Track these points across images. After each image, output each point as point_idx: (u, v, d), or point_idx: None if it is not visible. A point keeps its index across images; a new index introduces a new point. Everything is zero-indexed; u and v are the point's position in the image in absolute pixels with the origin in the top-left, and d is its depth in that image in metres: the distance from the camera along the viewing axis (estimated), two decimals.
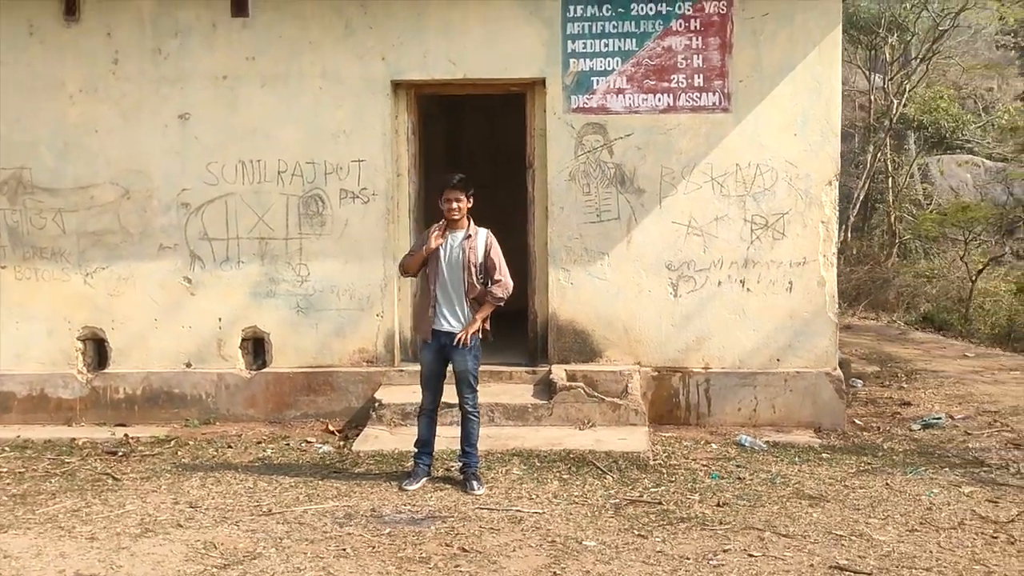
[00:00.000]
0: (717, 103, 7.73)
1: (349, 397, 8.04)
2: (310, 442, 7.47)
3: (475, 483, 6.06)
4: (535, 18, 7.78)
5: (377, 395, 7.70)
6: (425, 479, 6.18)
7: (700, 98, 7.74)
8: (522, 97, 8.09)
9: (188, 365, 8.15)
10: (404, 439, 6.99)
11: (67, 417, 8.14)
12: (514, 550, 5.05)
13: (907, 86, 22.44)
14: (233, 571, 4.74)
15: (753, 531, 5.36)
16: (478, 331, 6.10)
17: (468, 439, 6.18)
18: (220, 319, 8.11)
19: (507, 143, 10.07)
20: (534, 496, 5.99)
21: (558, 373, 7.66)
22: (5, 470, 6.78)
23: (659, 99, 7.76)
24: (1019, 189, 25.53)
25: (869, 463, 6.85)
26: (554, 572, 4.75)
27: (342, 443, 7.40)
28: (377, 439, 7.11)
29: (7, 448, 7.39)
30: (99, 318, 8.17)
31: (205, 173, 8.04)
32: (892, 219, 22.93)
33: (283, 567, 4.80)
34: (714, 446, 7.26)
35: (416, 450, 6.24)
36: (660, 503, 5.88)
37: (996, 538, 5.29)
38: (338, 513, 5.67)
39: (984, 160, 27.26)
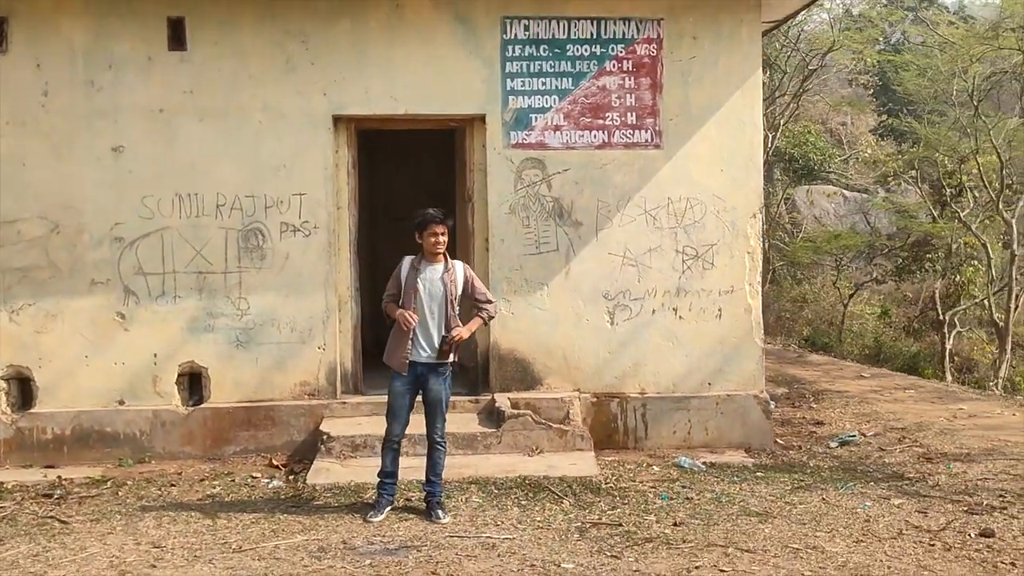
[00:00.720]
0: (649, 140, 8.12)
1: (291, 431, 8.00)
2: (256, 477, 7.41)
3: (440, 512, 6.16)
4: (475, 57, 8.01)
5: (323, 428, 7.71)
6: (388, 509, 6.24)
7: (633, 135, 8.11)
8: (460, 133, 8.29)
9: (121, 402, 7.95)
10: (356, 471, 7.05)
11: None
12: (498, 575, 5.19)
13: (780, 121, 23.67)
14: None
15: (716, 548, 5.64)
16: (457, 348, 6.26)
17: (434, 469, 6.28)
18: (155, 354, 7.96)
19: (438, 179, 10.26)
20: (499, 522, 6.13)
21: (502, 401, 7.83)
22: None
23: (595, 136, 8.09)
24: (876, 218, 27.24)
25: (801, 480, 7.27)
26: None
27: (291, 477, 7.37)
28: (329, 472, 7.12)
29: None
30: (25, 356, 7.90)
31: (140, 207, 7.91)
32: (767, 247, 24.07)
33: None
34: (656, 468, 7.56)
35: (380, 480, 6.29)
36: (620, 524, 6.11)
37: (933, 546, 5.71)
38: (310, 547, 5.68)
39: (844, 191, 28.98)
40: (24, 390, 7.98)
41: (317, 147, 7.98)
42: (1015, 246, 20.22)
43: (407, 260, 6.32)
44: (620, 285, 8.14)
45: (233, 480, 7.34)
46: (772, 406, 10.05)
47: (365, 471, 6.97)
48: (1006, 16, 19.51)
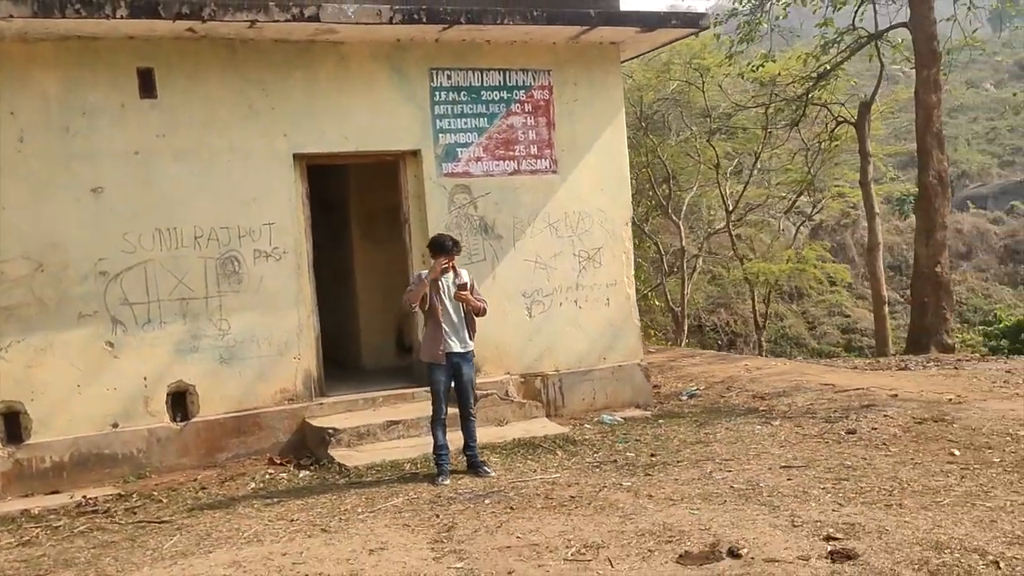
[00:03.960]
0: (548, 167, 10.09)
1: (276, 433, 9.04)
2: (272, 473, 8.44)
3: (486, 467, 7.74)
4: (410, 102, 9.53)
5: (320, 424, 8.86)
6: (450, 472, 7.69)
7: (536, 163, 10.03)
8: (396, 165, 9.74)
9: (115, 425, 8.55)
10: (376, 453, 8.38)
11: None
12: (590, 496, 6.77)
13: None
14: (462, 543, 6.01)
15: (703, 463, 7.70)
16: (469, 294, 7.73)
17: (472, 436, 7.83)
18: (145, 377, 8.65)
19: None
20: (532, 469, 7.80)
21: None
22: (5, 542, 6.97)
23: (507, 165, 9.92)
24: None
25: (695, 419, 9.60)
26: (643, 495, 6.65)
27: (304, 469, 8.46)
28: (353, 456, 8.34)
29: None
30: (17, 391, 8.27)
31: (122, 242, 8.57)
32: None
33: (473, 523, 6.14)
34: (588, 426, 9.54)
35: (437, 453, 7.70)
36: (616, 460, 8.03)
37: (827, 443, 8.13)
38: (417, 503, 6.92)
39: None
40: (16, 423, 8.32)
41: (282, 182, 9.09)
42: (683, 242, 24.58)
43: (422, 273, 7.80)
44: (534, 285, 10.02)
45: (254, 477, 8.32)
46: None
47: (379, 453, 8.34)
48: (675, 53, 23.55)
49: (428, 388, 9.49)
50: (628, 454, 8.23)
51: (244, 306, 8.97)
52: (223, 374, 8.91)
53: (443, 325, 7.70)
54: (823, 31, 18.28)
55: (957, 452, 7.48)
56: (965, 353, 16.63)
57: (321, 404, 9.22)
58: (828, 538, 5.44)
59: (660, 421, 9.64)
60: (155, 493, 8.07)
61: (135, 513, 7.52)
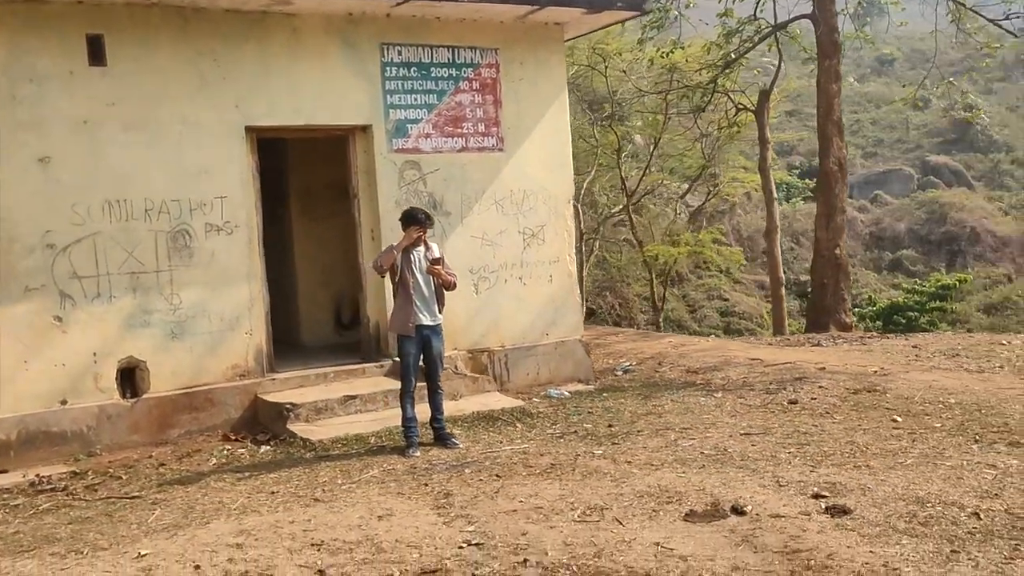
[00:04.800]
0: (495, 145, 10.21)
1: (228, 409, 8.92)
2: (230, 449, 8.35)
3: (454, 440, 7.86)
4: (361, 76, 9.50)
5: (275, 399, 8.80)
6: (419, 444, 7.76)
7: (483, 141, 10.15)
8: (346, 140, 9.69)
9: (64, 402, 8.29)
10: (334, 427, 8.41)
11: None
12: (569, 464, 6.94)
13: None
14: (463, 510, 6.08)
15: (670, 431, 7.96)
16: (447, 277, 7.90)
17: (439, 408, 7.94)
18: (95, 353, 8.41)
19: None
20: (499, 440, 7.97)
21: None
22: None
23: (456, 142, 10.00)
24: None
25: (639, 392, 9.94)
26: (621, 462, 6.88)
27: (262, 445, 8.38)
28: (314, 431, 8.32)
29: None
30: None
31: (71, 214, 8.29)
32: None
33: (468, 490, 6.24)
34: (537, 400, 9.75)
35: (407, 425, 7.75)
36: (576, 432, 8.26)
37: (772, 412, 8.60)
38: (395, 473, 6.99)
39: None
40: None
41: (234, 154, 8.95)
42: (581, 226, 25.02)
43: (393, 246, 7.85)
44: (481, 261, 10.15)
45: (212, 453, 8.21)
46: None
47: (345, 426, 8.38)
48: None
49: (378, 363, 9.64)
50: (586, 425, 8.48)
51: (196, 280, 8.81)
52: (174, 349, 8.73)
53: (414, 298, 7.77)
54: (724, 20, 18.93)
55: (899, 419, 8.01)
56: (859, 331, 17.55)
57: (273, 379, 9.15)
58: (817, 496, 5.80)
59: (605, 395, 9.92)
60: (111, 470, 7.88)
61: (96, 490, 7.35)
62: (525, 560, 4.98)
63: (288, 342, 11.34)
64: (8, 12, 8.01)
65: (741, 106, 20.23)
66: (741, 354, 11.94)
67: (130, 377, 8.62)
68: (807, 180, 42.24)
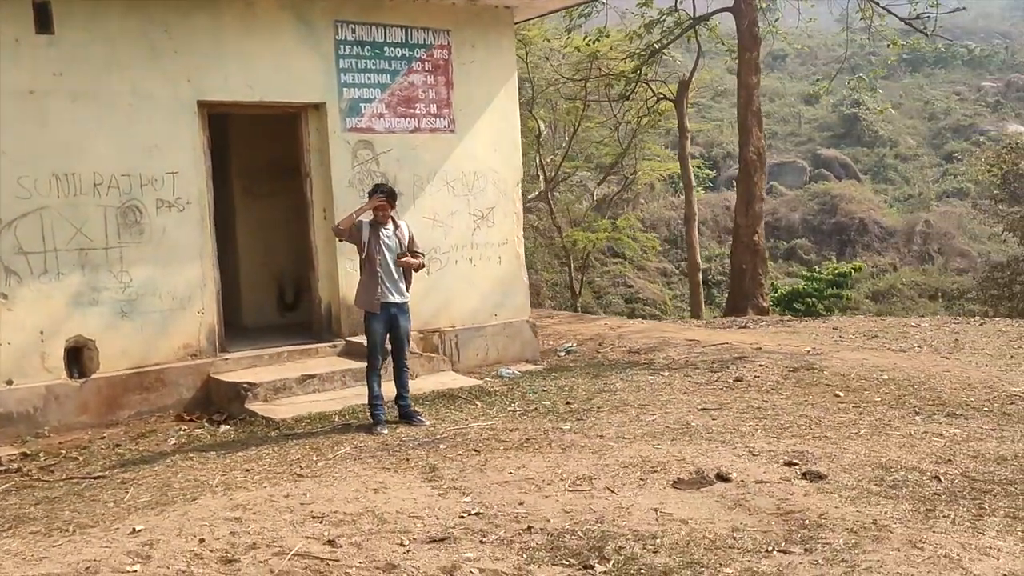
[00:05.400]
0: (446, 126, 10.23)
1: (180, 390, 8.74)
2: (186, 429, 8.19)
3: (420, 417, 7.88)
4: (315, 53, 9.39)
5: (231, 379, 8.65)
6: (385, 422, 7.76)
7: (435, 122, 10.15)
8: (298, 118, 9.56)
9: (9, 382, 7.99)
10: (294, 407, 8.33)
11: None
12: (542, 439, 7.05)
13: None
14: (445, 482, 6.11)
15: (628, 407, 8.16)
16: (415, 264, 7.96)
17: (405, 386, 7.94)
18: (42, 332, 8.13)
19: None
20: (463, 418, 8.02)
21: (364, 342, 9.42)
22: None
23: (408, 122, 9.98)
24: None
25: (587, 372, 10.11)
26: (593, 436, 7.03)
27: (227, 424, 8.24)
28: (275, 410, 8.21)
29: None
30: None
31: (16, 187, 7.98)
32: None
33: (453, 464, 6.29)
34: (489, 379, 9.83)
35: (374, 403, 7.73)
36: (537, 409, 8.38)
37: (721, 389, 8.87)
38: (369, 450, 6.99)
39: None
40: None
41: (185, 129, 8.74)
42: None
43: (366, 222, 7.83)
44: (432, 242, 10.15)
45: (168, 433, 8.05)
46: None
47: (305, 405, 8.31)
48: None
49: (331, 343, 9.58)
50: (544, 403, 8.60)
51: (146, 258, 8.59)
52: (124, 328, 8.50)
53: (379, 274, 7.75)
54: (643, 11, 19.30)
55: (841, 394, 8.39)
56: (775, 315, 18.17)
57: (226, 360, 8.99)
58: (790, 464, 6.07)
59: (554, 374, 10.07)
60: (64, 451, 7.66)
61: (53, 471, 7.14)
62: (529, 527, 5.09)
63: (230, 323, 11.11)
64: None
65: (661, 95, 20.64)
66: (677, 335, 12.26)
67: (78, 357, 8.36)
68: (707, 170, 43.33)
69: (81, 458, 7.48)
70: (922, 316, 18.14)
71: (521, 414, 8.15)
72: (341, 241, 8.18)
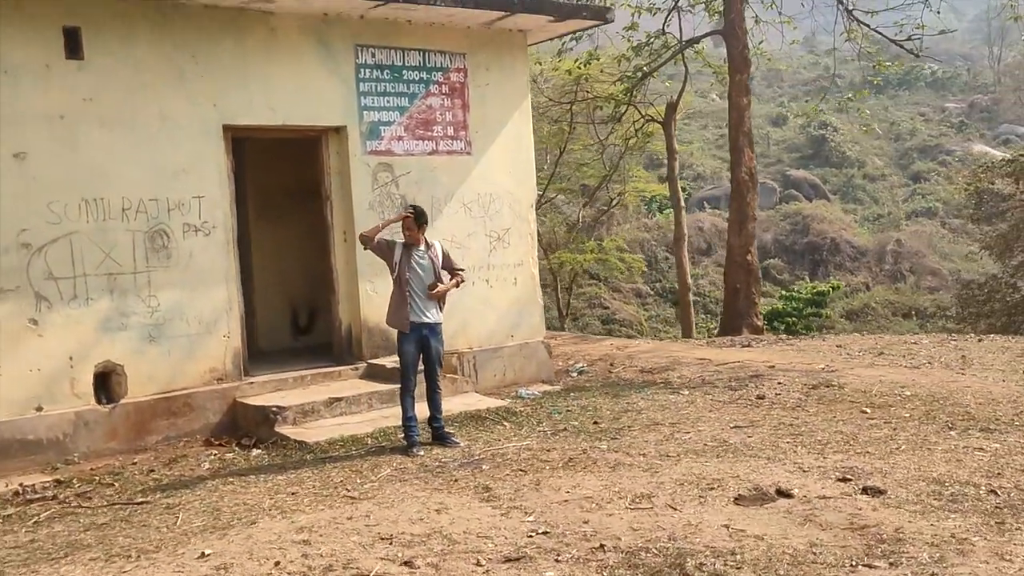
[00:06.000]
0: (463, 148, 10.30)
1: (207, 414, 8.69)
2: (215, 454, 8.14)
3: (454, 438, 7.90)
4: (336, 77, 9.44)
5: (257, 403, 8.62)
6: (420, 443, 7.77)
7: (452, 144, 10.22)
8: (319, 141, 9.58)
9: (39, 409, 7.91)
10: (325, 430, 8.31)
11: None
12: (585, 459, 7.07)
13: None
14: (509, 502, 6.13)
15: (660, 426, 8.21)
16: (446, 291, 7.97)
17: (438, 408, 7.96)
18: (71, 357, 8.06)
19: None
20: (495, 439, 8.04)
21: (387, 364, 9.44)
22: None
23: (427, 144, 10.04)
24: None
25: (606, 392, 10.17)
26: (636, 455, 7.08)
27: (258, 448, 8.19)
28: (307, 433, 8.19)
29: None
30: None
31: (46, 212, 7.94)
32: None
33: (507, 484, 6.29)
34: (510, 400, 9.86)
35: (408, 424, 7.75)
36: (566, 429, 8.43)
37: (745, 407, 8.96)
38: (411, 472, 6.99)
39: None
40: None
41: (211, 153, 8.75)
42: None
43: (399, 243, 7.87)
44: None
45: (199, 458, 8.00)
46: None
47: (336, 428, 8.29)
48: None
49: (353, 366, 9.59)
50: (572, 423, 8.64)
51: (173, 282, 8.56)
52: (151, 353, 8.46)
53: (410, 295, 7.78)
54: (631, 34, 19.52)
55: (868, 410, 8.51)
56: (770, 334, 18.37)
57: (251, 383, 8.96)
58: (843, 479, 6.15)
59: (573, 394, 10.12)
60: (96, 478, 7.59)
61: (90, 498, 7.08)
62: (601, 545, 5.12)
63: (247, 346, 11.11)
64: None
65: (649, 117, 20.87)
66: (686, 355, 12.37)
67: (106, 382, 8.30)
68: (685, 191, 43.69)
69: (116, 484, 7.42)
70: (917, 334, 18.41)
71: (552, 434, 8.19)
72: (366, 249, 8.16)
